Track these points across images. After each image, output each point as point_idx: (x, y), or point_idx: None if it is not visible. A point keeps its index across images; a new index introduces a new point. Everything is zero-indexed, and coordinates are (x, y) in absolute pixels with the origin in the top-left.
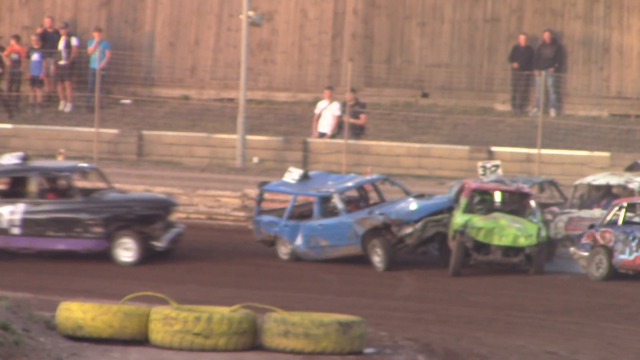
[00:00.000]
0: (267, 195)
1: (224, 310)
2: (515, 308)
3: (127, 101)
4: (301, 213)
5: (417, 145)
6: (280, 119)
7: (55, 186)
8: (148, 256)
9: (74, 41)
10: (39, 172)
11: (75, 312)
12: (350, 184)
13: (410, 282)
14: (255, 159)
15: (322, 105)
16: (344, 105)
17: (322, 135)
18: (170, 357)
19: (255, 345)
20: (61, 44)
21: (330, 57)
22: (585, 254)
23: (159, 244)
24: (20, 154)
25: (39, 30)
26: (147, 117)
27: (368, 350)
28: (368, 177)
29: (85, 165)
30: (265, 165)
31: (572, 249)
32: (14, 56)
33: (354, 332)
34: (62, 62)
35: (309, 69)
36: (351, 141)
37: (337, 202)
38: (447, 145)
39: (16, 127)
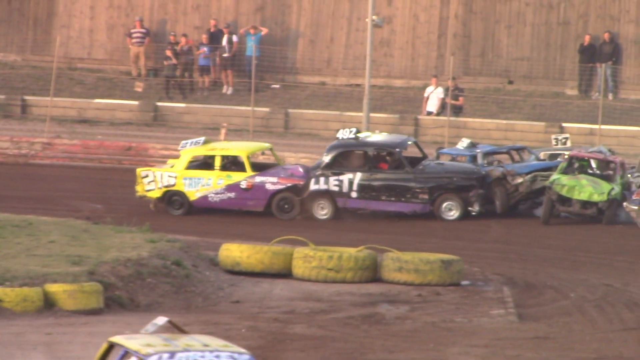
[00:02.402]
0: None
1: (351, 251)
2: (581, 250)
3: (276, 86)
4: None
5: (504, 121)
6: (397, 101)
7: (386, 158)
8: (466, 215)
9: (234, 38)
10: (374, 147)
11: (234, 251)
12: (497, 149)
13: (499, 229)
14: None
15: (429, 89)
16: (446, 90)
17: (429, 113)
18: (308, 287)
19: (376, 278)
20: (224, 41)
21: (437, 52)
22: (635, 207)
23: (474, 209)
24: (353, 128)
25: (212, 29)
26: (292, 98)
27: (464, 282)
28: (514, 145)
29: (409, 139)
30: None
31: (625, 204)
32: (185, 47)
33: (453, 268)
34: (225, 55)
35: (419, 61)
36: (452, 118)
37: (479, 158)
38: (527, 122)
39: (188, 106)
